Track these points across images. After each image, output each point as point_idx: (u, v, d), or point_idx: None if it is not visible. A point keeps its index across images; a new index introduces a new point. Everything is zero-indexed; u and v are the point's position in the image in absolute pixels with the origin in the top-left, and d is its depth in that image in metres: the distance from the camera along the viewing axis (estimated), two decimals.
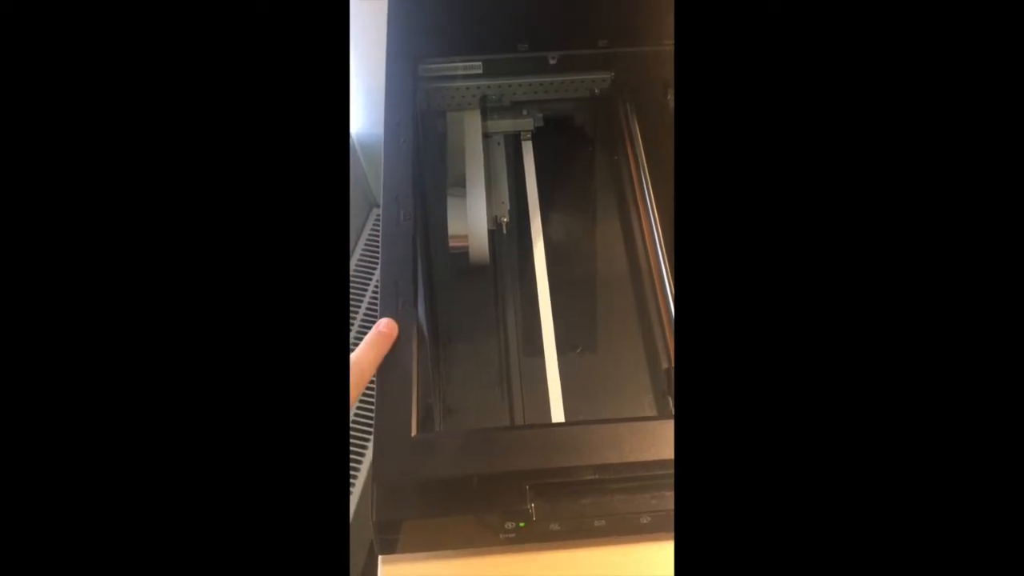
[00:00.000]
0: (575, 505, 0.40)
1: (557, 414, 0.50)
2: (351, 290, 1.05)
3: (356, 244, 1.11)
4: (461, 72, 0.61)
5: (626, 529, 0.42)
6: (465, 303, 0.59)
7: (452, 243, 0.55)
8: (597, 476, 0.39)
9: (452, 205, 0.56)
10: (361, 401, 0.88)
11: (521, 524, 0.40)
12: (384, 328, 0.44)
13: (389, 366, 0.43)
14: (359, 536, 0.89)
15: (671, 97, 0.62)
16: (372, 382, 0.43)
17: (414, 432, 0.39)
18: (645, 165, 0.60)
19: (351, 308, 1.03)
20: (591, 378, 0.54)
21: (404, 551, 0.44)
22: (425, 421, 0.44)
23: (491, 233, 0.59)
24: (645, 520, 0.41)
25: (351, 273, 1.08)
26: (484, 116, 0.63)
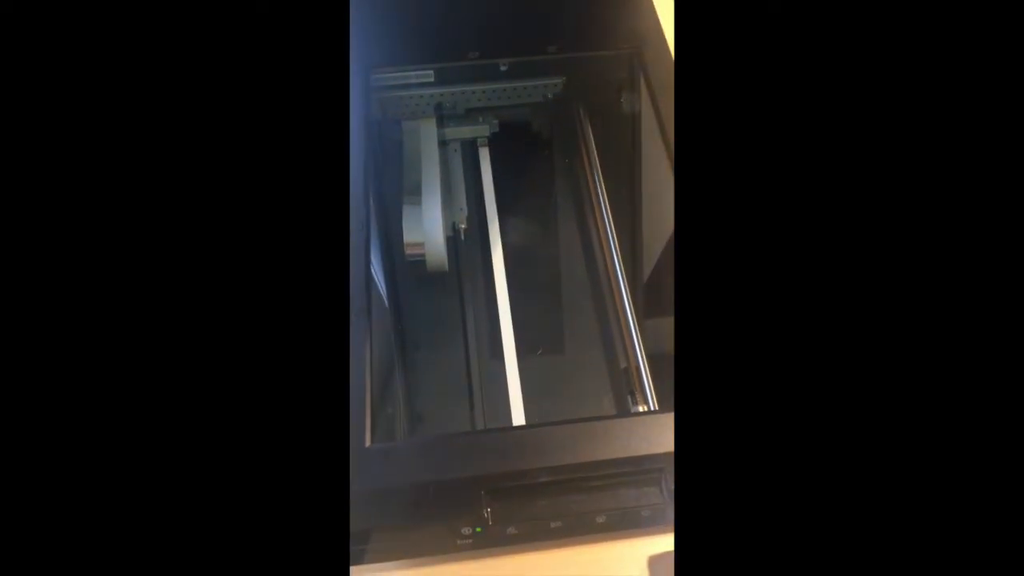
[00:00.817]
0: (531, 507, 0.40)
1: (518, 417, 0.50)
2: None
3: None
4: (414, 80, 0.61)
5: (583, 529, 0.42)
6: (428, 309, 0.59)
7: (408, 251, 0.56)
8: (552, 478, 0.40)
9: (407, 213, 0.56)
10: None
11: (478, 529, 0.41)
12: None
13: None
14: None
15: (624, 99, 0.63)
16: None
17: (368, 443, 0.39)
18: (599, 167, 0.61)
19: None
20: (552, 380, 0.55)
21: (371, 562, 0.44)
22: (386, 430, 0.44)
23: (450, 239, 0.59)
24: (601, 519, 0.41)
25: None
26: (440, 124, 0.64)
